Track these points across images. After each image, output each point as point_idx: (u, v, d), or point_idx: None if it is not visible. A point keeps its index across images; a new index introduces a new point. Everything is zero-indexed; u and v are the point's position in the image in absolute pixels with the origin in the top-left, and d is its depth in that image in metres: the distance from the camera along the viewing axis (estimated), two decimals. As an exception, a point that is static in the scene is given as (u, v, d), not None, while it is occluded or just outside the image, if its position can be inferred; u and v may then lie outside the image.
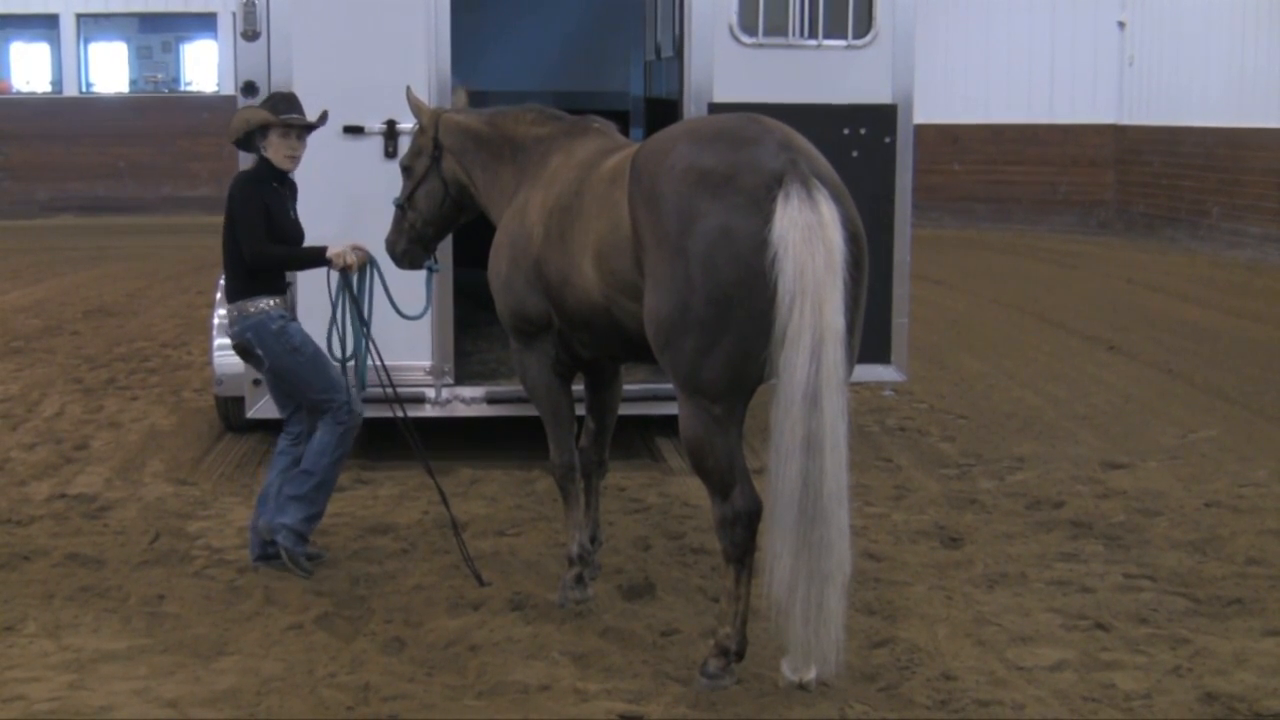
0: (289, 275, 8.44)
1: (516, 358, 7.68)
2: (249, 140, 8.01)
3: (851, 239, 6.08)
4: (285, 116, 7.90)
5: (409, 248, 8.15)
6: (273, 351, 7.89)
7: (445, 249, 9.86)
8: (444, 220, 8.15)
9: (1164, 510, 9.18)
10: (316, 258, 7.93)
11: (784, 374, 5.94)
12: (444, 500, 8.18)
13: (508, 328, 7.62)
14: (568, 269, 6.92)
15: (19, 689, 6.43)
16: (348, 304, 8.01)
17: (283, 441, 8.24)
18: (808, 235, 5.93)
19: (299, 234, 8.10)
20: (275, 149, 7.93)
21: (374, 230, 8.65)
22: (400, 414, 8.23)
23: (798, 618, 6.05)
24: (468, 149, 7.88)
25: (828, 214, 5.99)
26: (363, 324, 8.02)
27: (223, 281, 10.26)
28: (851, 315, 6.08)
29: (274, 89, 9.28)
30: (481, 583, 7.74)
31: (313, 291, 8.80)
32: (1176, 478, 9.97)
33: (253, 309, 7.88)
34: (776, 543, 6.05)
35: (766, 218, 5.96)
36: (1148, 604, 7.53)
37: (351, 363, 8.08)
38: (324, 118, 8.25)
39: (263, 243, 7.82)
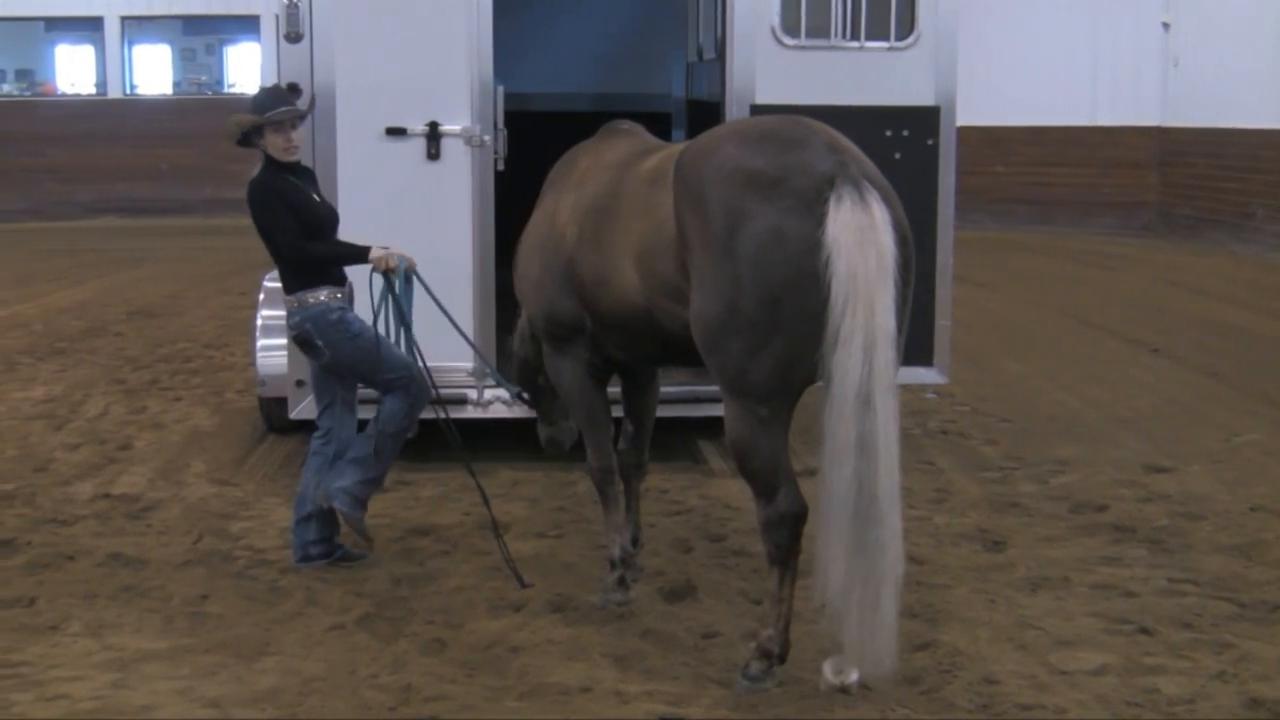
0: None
1: (549, 361, 7.68)
2: (248, 140, 8.00)
3: (901, 241, 6.07)
4: (268, 115, 7.88)
5: None
6: (333, 341, 7.89)
7: (488, 251, 9.89)
8: None
9: (1208, 514, 9.13)
10: (359, 256, 7.93)
11: (836, 376, 5.92)
12: (485, 501, 8.18)
13: (539, 331, 7.63)
14: (606, 270, 6.92)
15: (62, 688, 6.46)
16: (391, 307, 8.02)
17: (315, 442, 8.26)
18: (860, 237, 5.91)
19: (332, 216, 8.10)
20: (272, 144, 7.88)
21: (416, 231, 8.68)
22: (443, 414, 8.23)
23: (854, 620, 6.02)
24: None
25: (879, 216, 5.97)
26: (404, 326, 8.03)
27: (267, 283, 10.39)
28: (899, 317, 6.06)
29: (317, 91, 9.31)
30: (523, 584, 7.74)
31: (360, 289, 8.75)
32: (1220, 481, 9.91)
33: (311, 300, 7.87)
34: (832, 545, 6.02)
35: (819, 220, 5.94)
36: (1191, 608, 7.49)
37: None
38: (312, 104, 8.26)
39: (299, 243, 7.83)
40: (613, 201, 6.94)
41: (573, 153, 7.76)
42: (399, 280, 7.99)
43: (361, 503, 8.03)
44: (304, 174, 8.14)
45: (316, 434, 8.26)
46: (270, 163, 7.93)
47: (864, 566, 6.01)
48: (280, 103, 7.91)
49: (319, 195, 8.13)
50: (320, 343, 7.90)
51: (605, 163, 7.27)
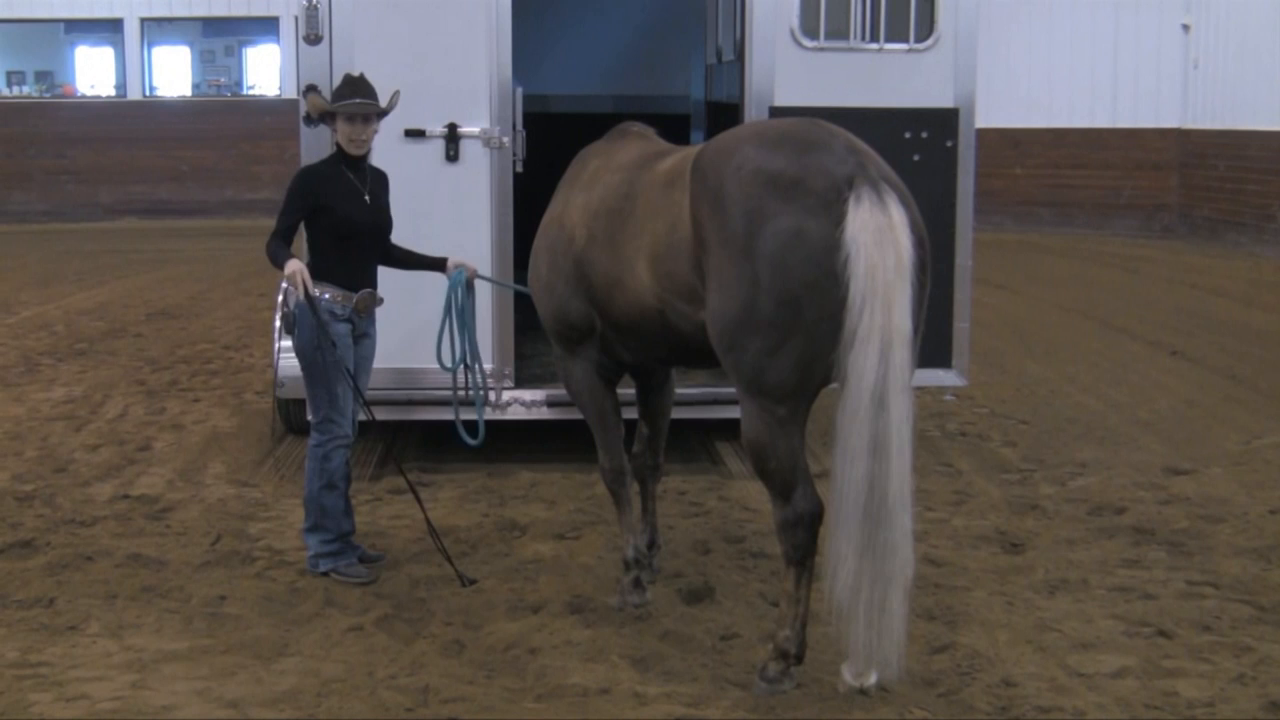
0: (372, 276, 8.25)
1: (560, 364, 7.70)
2: (324, 122, 8.04)
3: (918, 243, 6.08)
4: (339, 104, 7.88)
5: None
6: (304, 337, 7.89)
7: (506, 252, 9.89)
8: None
9: (1227, 517, 9.10)
10: (278, 264, 7.81)
11: (852, 376, 5.93)
12: (418, 499, 8.29)
13: (550, 333, 7.64)
14: (619, 271, 6.92)
15: (82, 688, 6.48)
16: (455, 315, 8.03)
17: (310, 443, 8.26)
18: (879, 238, 5.92)
19: (368, 222, 8.02)
20: (341, 133, 7.93)
21: (435, 233, 8.64)
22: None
23: (861, 621, 6.04)
24: None
25: (897, 217, 5.99)
26: (467, 334, 8.06)
27: (285, 284, 10.39)
28: (916, 318, 6.07)
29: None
30: (464, 583, 7.78)
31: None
32: (1240, 484, 9.88)
33: (313, 293, 7.86)
34: (841, 545, 6.03)
35: (838, 220, 5.96)
36: (1211, 611, 7.47)
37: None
38: (394, 99, 8.17)
39: (277, 234, 7.81)
40: (625, 203, 6.94)
41: (583, 154, 7.77)
42: (460, 290, 8.02)
43: (337, 555, 8.04)
44: (369, 174, 8.10)
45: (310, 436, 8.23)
46: (336, 153, 7.99)
47: (873, 568, 6.02)
48: (357, 94, 7.91)
49: (372, 198, 8.05)
50: (297, 330, 7.92)
51: (616, 164, 7.28)
